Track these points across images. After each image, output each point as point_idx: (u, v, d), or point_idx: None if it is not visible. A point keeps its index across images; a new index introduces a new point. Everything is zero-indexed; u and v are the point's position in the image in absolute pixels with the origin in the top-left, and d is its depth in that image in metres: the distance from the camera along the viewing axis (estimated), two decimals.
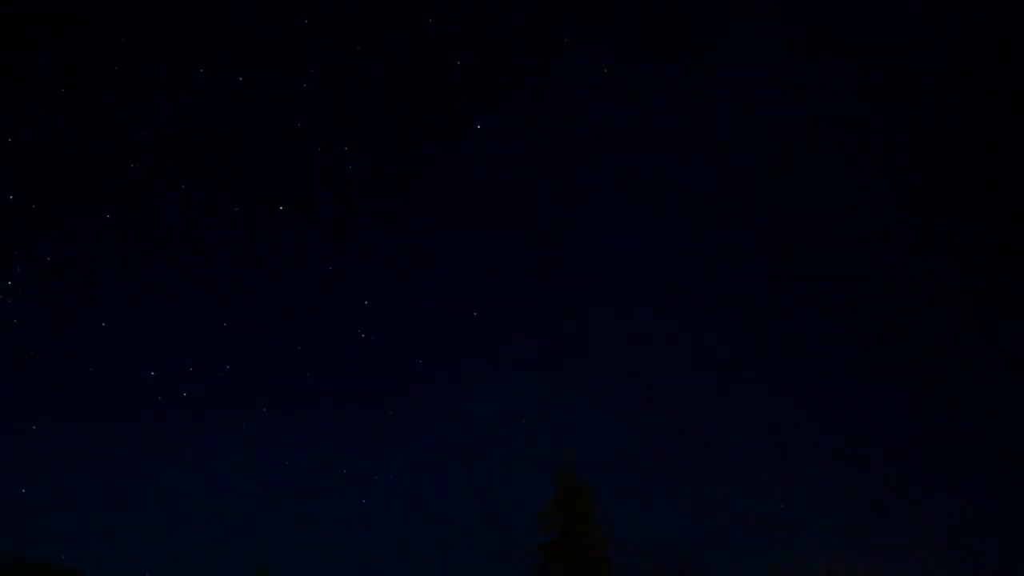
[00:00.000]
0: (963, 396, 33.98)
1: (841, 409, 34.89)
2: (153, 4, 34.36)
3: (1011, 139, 34.20)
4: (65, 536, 32.75)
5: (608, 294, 37.21)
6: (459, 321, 37.28)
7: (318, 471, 35.76)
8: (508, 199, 37.71)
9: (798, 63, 35.45)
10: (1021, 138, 34.06)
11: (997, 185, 34.86)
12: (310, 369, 36.64)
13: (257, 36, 35.51)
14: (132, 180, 35.60)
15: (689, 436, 35.05)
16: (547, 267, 37.55)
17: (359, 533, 34.93)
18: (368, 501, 35.39)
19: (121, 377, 35.74)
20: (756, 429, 34.12)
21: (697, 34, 36.10)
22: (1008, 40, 33.48)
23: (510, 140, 37.10)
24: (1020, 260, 34.17)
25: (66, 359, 35.67)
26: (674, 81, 36.03)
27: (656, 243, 37.45)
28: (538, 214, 37.75)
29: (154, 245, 36.74)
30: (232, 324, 36.62)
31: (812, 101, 35.60)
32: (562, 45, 36.25)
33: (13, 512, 32.55)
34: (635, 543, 29.00)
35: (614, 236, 37.85)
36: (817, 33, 35.35)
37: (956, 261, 34.86)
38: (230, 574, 31.62)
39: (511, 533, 29.24)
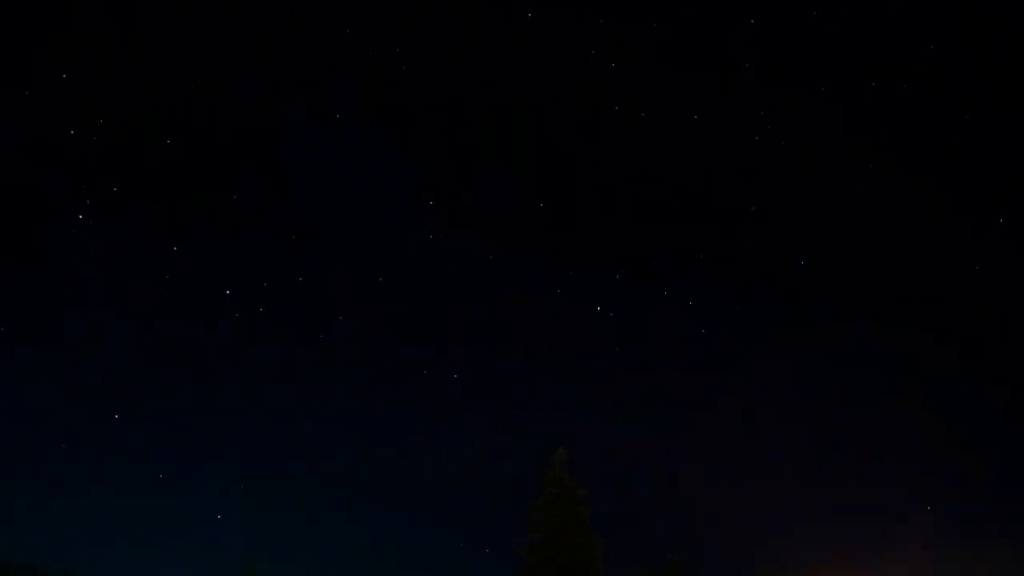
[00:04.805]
0: (958, 400, 33.96)
1: (837, 412, 34.85)
2: None
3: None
4: (53, 537, 32.75)
5: (601, 292, 37.15)
6: (454, 319, 37.29)
7: (308, 471, 35.72)
8: (508, 199, 37.71)
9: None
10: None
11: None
12: (300, 370, 36.64)
13: None
14: None
15: (683, 437, 35.00)
16: (543, 265, 37.50)
17: (347, 533, 34.89)
18: (357, 501, 35.36)
19: (111, 376, 35.74)
20: (749, 431, 34.03)
21: None
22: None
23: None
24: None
25: (53, 359, 35.70)
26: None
27: (656, 240, 37.45)
28: (535, 213, 37.68)
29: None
30: (224, 325, 36.63)
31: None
32: None
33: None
34: (627, 543, 28.93)
35: (614, 232, 37.84)
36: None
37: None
38: (219, 574, 31.59)
39: (501, 533, 29.17)
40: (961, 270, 34.71)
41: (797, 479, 32.76)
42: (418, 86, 36.16)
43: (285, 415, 36.23)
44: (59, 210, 35.78)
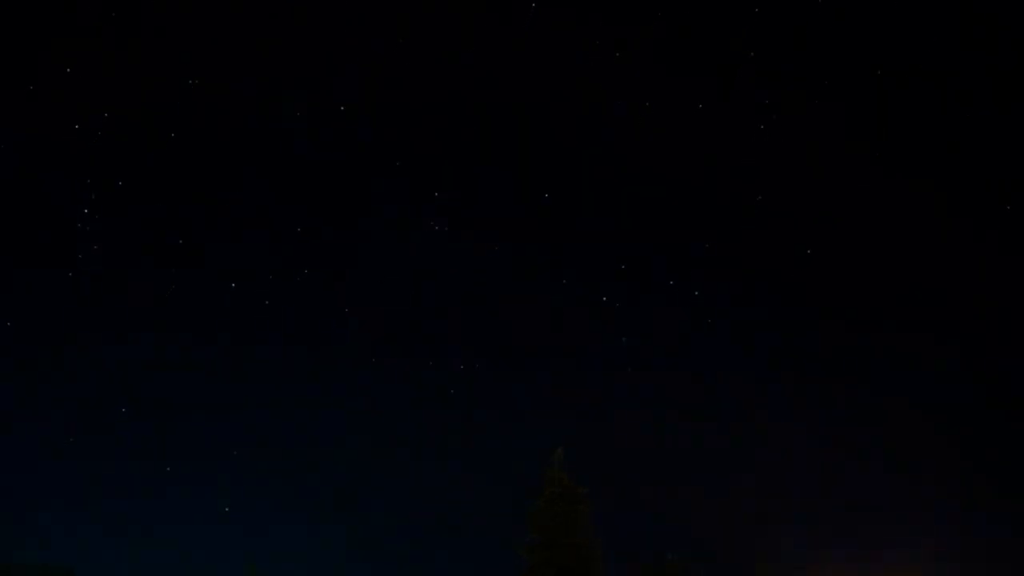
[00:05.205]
0: (959, 399, 33.86)
1: (839, 411, 34.77)
2: None
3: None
4: (54, 536, 32.80)
5: (598, 291, 37.03)
6: (450, 317, 37.21)
7: (307, 470, 35.72)
8: (507, 199, 37.59)
9: None
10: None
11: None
12: (301, 368, 36.62)
13: None
14: None
15: (684, 436, 34.92)
16: (540, 264, 37.38)
17: (347, 532, 34.89)
18: (356, 499, 35.34)
19: (107, 372, 35.75)
20: (747, 430, 33.95)
21: None
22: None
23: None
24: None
25: (55, 357, 35.70)
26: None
27: (652, 240, 37.28)
28: (537, 209, 37.54)
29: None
30: (227, 322, 36.63)
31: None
32: None
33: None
34: (627, 543, 28.90)
35: (610, 233, 37.69)
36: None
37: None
38: (219, 574, 31.66)
39: (500, 534, 29.15)
40: (965, 268, 34.59)
41: (798, 479, 32.74)
42: (420, 81, 36.08)
43: (285, 413, 36.28)
44: (60, 208, 35.86)
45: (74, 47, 34.18)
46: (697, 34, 35.51)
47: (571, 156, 36.99)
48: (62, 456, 34.71)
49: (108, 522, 34.10)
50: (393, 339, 37.10)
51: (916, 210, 34.88)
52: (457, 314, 37.35)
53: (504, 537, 27.75)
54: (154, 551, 33.31)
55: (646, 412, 35.46)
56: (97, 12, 34.29)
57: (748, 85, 35.31)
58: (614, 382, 36.13)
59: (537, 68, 35.51)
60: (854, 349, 35.15)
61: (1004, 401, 34.06)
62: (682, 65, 35.56)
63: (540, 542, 26.53)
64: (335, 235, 37.56)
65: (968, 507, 32.16)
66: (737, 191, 36.05)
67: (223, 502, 34.36)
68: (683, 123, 35.62)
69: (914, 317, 34.79)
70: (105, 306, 36.15)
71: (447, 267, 37.23)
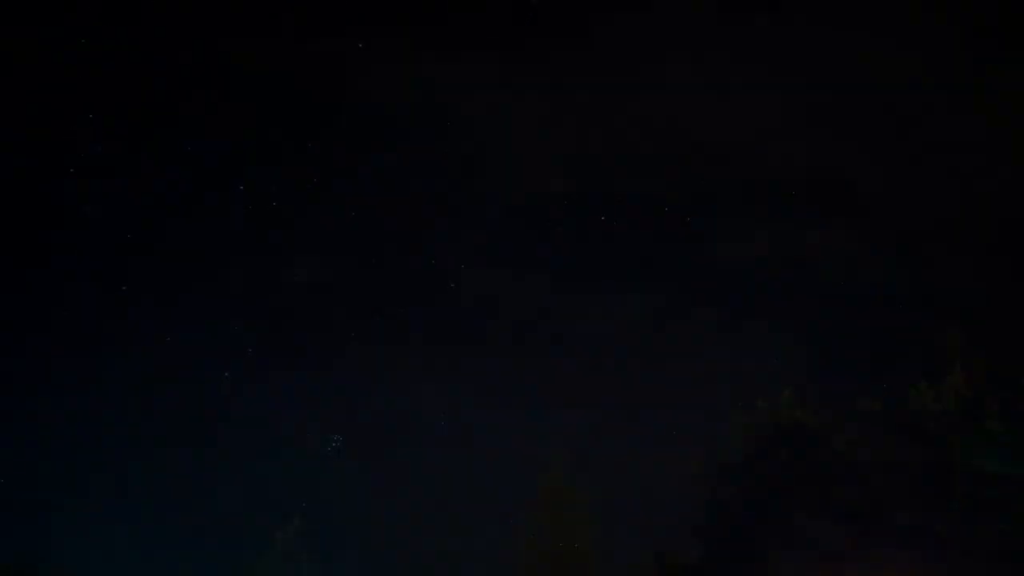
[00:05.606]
0: None
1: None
2: None
3: None
4: (53, 537, 32.83)
5: (601, 289, 37.07)
6: (452, 317, 37.28)
7: (307, 470, 35.79)
8: (506, 195, 37.62)
9: None
10: None
11: None
12: (300, 369, 36.68)
13: None
14: None
15: (684, 435, 34.93)
16: (542, 261, 37.50)
17: (346, 533, 34.93)
18: (356, 501, 35.39)
19: (114, 376, 35.78)
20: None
21: None
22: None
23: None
24: None
25: (55, 358, 35.72)
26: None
27: (649, 239, 37.34)
28: (532, 210, 37.59)
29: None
30: (225, 325, 36.69)
31: None
32: None
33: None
34: (627, 543, 28.94)
35: (607, 234, 37.76)
36: None
37: None
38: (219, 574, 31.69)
39: (501, 533, 29.25)
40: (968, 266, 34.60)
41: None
42: (417, 80, 36.09)
43: (285, 413, 36.33)
44: (60, 208, 35.90)
45: (74, 47, 34.21)
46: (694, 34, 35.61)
47: (567, 152, 37.10)
48: (62, 456, 34.76)
49: (107, 522, 34.12)
50: (392, 338, 37.19)
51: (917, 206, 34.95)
52: (454, 313, 37.43)
53: (503, 537, 27.87)
54: (153, 552, 33.39)
55: (648, 412, 35.61)
56: (97, 12, 34.34)
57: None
58: (616, 381, 36.25)
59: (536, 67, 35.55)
60: (857, 350, 35.25)
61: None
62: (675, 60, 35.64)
63: (540, 542, 26.67)
64: (335, 235, 37.61)
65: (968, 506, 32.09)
66: (736, 198, 36.20)
67: (223, 503, 34.45)
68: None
69: (913, 310, 34.89)
70: (104, 306, 36.20)
71: (448, 267, 37.34)
